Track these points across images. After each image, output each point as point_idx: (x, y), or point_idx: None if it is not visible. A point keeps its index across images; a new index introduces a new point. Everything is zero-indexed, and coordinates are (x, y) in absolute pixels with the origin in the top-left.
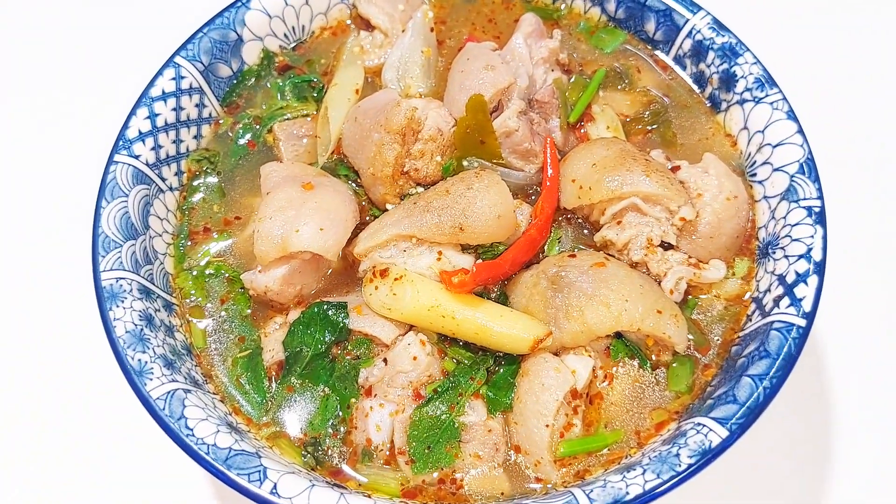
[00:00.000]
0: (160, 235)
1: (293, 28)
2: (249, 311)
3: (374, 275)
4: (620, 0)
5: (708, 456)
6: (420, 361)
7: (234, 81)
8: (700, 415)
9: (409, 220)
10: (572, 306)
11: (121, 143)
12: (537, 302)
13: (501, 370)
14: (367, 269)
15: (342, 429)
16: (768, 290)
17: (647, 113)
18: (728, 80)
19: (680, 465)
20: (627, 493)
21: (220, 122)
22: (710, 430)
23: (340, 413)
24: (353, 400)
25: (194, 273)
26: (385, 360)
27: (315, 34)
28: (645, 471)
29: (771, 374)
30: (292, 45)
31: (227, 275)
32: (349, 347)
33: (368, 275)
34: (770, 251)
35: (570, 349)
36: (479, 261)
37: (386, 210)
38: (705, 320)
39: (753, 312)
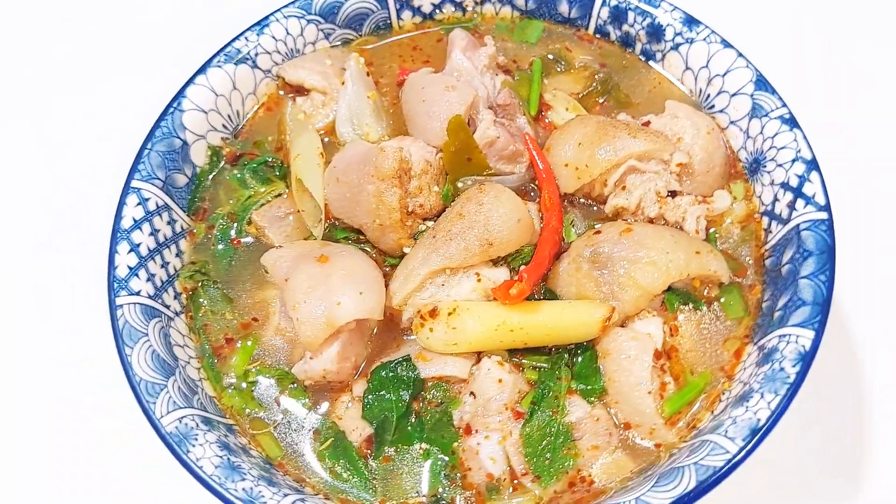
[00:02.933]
0: (188, 363)
1: (229, 116)
2: (309, 401)
3: (422, 318)
4: None
5: (808, 359)
6: (506, 382)
7: (193, 187)
8: (778, 327)
9: (436, 255)
10: (622, 276)
11: (116, 284)
12: (588, 285)
13: (580, 360)
14: (412, 316)
15: (457, 475)
16: (776, 199)
17: (595, 84)
18: (656, 32)
19: (789, 377)
20: (759, 418)
21: (194, 231)
22: (798, 335)
23: (448, 461)
24: (455, 444)
25: (236, 389)
26: (472, 394)
27: (251, 115)
28: (762, 394)
29: (822, 268)
30: (233, 132)
31: (270, 377)
32: (428, 397)
33: (416, 320)
34: (760, 166)
35: (633, 317)
36: (509, 269)
37: (403, 254)
38: (730, 247)
39: (770, 224)
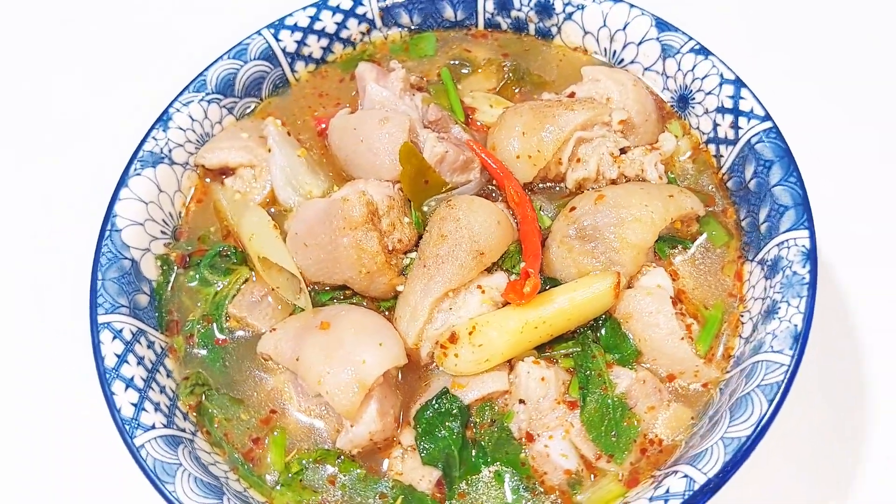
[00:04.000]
0: (227, 477)
1: (164, 220)
2: (363, 469)
3: (443, 348)
4: (410, 10)
5: (813, 256)
6: (549, 378)
7: (156, 303)
8: (771, 237)
9: (434, 283)
10: (613, 241)
11: (126, 427)
12: (584, 260)
13: (603, 332)
14: (431, 350)
15: (535, 484)
16: (716, 124)
17: (507, 75)
18: (545, 9)
19: (804, 278)
20: (795, 324)
21: (174, 346)
22: (795, 238)
23: (520, 474)
24: (522, 455)
25: (283, 485)
26: (521, 401)
27: (184, 212)
28: (788, 301)
29: (789, 170)
30: (173, 235)
31: (313, 460)
32: (478, 421)
33: (438, 352)
34: (688, 100)
35: (636, 275)
36: (504, 272)
37: (397, 293)
38: (691, 181)
39: (718, 150)
